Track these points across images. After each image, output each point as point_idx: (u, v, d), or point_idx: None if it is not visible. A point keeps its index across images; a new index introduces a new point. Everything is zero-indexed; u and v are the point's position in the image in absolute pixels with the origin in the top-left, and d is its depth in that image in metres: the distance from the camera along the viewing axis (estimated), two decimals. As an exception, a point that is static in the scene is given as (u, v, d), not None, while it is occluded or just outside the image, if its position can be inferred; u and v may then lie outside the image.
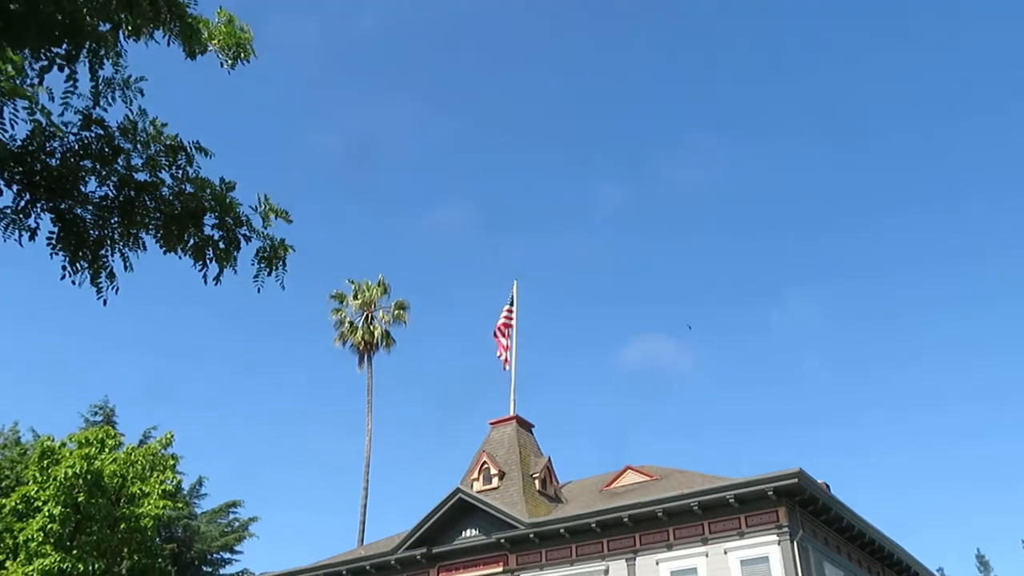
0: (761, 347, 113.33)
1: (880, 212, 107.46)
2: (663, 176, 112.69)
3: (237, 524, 47.85)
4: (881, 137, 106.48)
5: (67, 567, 29.19)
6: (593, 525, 24.34)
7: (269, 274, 7.94)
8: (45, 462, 31.33)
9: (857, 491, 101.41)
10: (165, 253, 7.61)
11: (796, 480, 21.43)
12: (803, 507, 22.49)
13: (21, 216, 7.22)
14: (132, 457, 32.80)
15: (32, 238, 7.16)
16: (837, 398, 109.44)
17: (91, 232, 7.46)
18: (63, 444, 32.48)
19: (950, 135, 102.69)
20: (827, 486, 23.75)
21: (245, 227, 7.79)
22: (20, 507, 31.08)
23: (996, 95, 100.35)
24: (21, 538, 30.03)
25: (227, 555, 46.96)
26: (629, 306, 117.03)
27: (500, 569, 25.81)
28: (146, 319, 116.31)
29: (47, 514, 29.67)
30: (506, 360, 33.34)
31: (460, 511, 27.15)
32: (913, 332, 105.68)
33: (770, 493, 21.74)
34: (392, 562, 27.64)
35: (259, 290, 8.09)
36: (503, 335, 33.71)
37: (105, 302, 7.51)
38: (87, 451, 31.05)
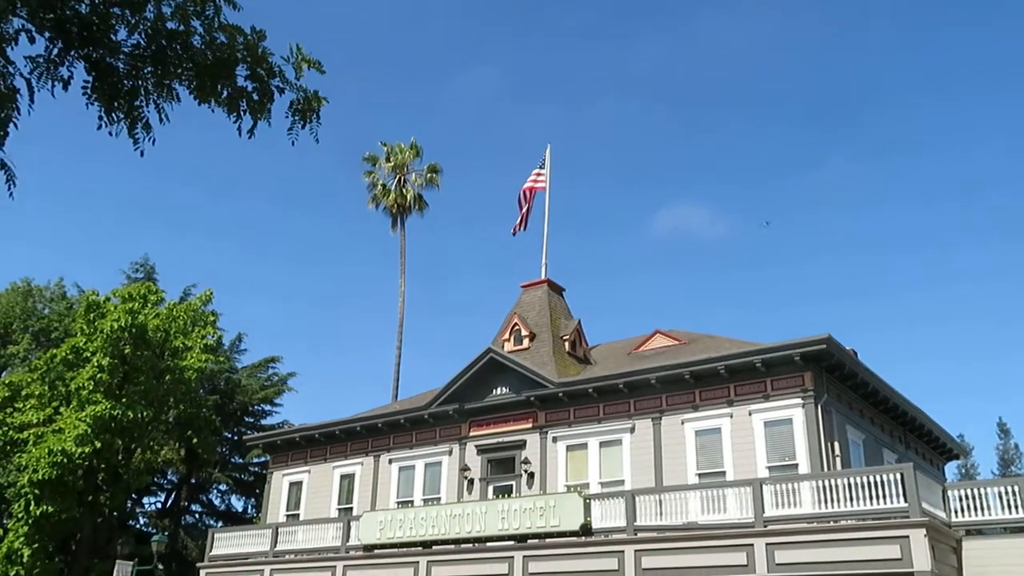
0: (796, 218, 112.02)
1: (929, 88, 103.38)
2: (704, 35, 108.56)
3: (276, 379, 49.71)
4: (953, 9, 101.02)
5: (117, 414, 30.75)
6: (621, 386, 24.93)
7: (303, 127, 7.89)
8: (91, 315, 32.49)
9: (883, 363, 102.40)
10: (199, 104, 7.58)
11: (824, 346, 21.62)
12: (829, 372, 22.78)
13: (54, 65, 7.19)
14: (174, 313, 33.89)
15: (66, 88, 7.14)
16: (868, 272, 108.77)
17: (124, 82, 7.43)
18: (107, 299, 33.56)
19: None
20: (855, 353, 23.95)
21: (278, 78, 7.69)
22: (70, 357, 32.52)
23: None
24: (73, 386, 31.57)
25: (267, 407, 49.08)
26: (662, 174, 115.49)
27: (529, 425, 26.72)
28: (183, 177, 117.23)
29: (96, 364, 31.03)
30: (520, 223, 33.42)
31: (491, 370, 27.88)
32: (948, 209, 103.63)
33: (797, 358, 22.00)
34: (425, 416, 28.68)
35: (293, 143, 8.06)
36: (526, 198, 33.58)
37: (142, 153, 7.55)
38: (131, 306, 32.07)
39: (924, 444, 29.57)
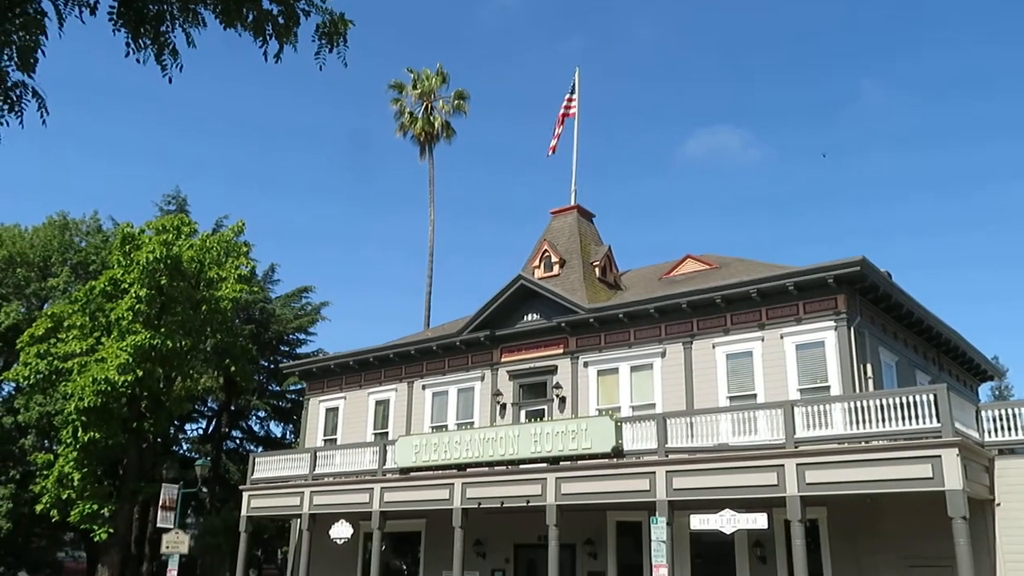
0: (832, 138, 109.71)
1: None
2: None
3: (310, 308, 50.33)
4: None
5: (157, 343, 31.45)
6: (651, 311, 24.93)
7: (330, 51, 7.80)
8: (127, 247, 32.97)
9: (919, 278, 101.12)
10: (225, 29, 7.51)
11: (858, 268, 21.38)
12: (863, 295, 22.57)
13: (80, -10, 7.13)
14: (207, 244, 34.28)
15: (93, 12, 7.10)
16: (903, 184, 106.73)
17: (150, 7, 7.37)
18: (142, 231, 33.99)
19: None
20: (889, 275, 23.64)
21: (303, 1, 7.59)
22: (108, 289, 33.15)
23: None
24: (113, 316, 32.26)
25: (302, 336, 49.84)
26: (692, 103, 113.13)
27: (560, 351, 26.91)
28: (205, 119, 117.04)
29: (134, 295, 31.61)
30: (552, 148, 33.12)
31: (522, 297, 27.99)
32: (985, 111, 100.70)
33: (830, 281, 21.80)
34: (457, 343, 28.98)
35: (321, 68, 7.99)
36: (559, 125, 33.18)
37: (170, 80, 7.53)
38: (165, 237, 32.47)
39: (958, 366, 29.40)
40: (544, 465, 22.14)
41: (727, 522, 18.28)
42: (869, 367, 21.86)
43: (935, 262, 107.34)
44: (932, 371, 26.47)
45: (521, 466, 22.70)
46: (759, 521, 18.07)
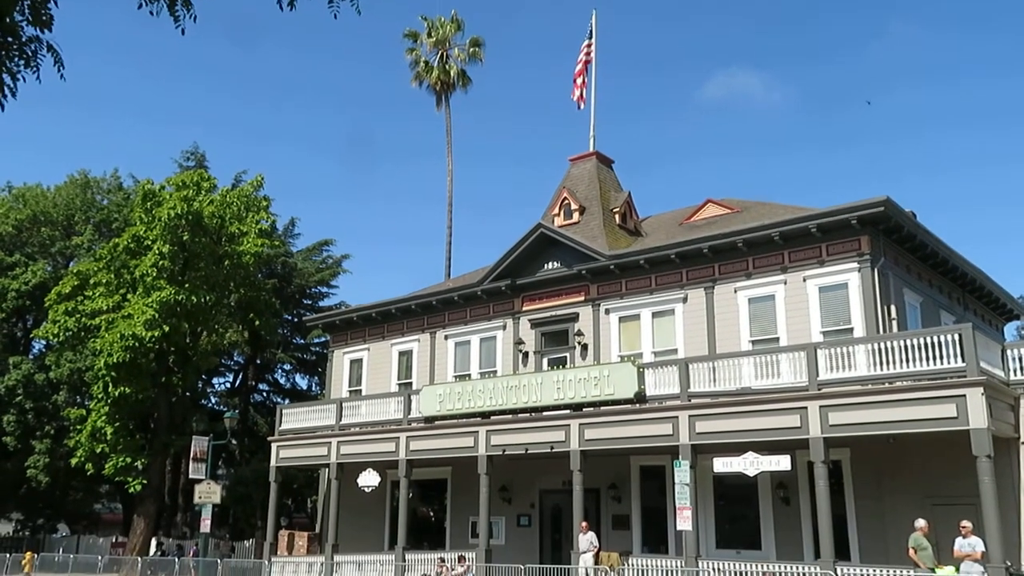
0: (856, 77, 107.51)
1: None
2: None
3: (331, 261, 50.60)
4: None
5: (182, 299, 31.80)
6: (672, 256, 24.81)
7: (344, -2, 7.66)
8: (148, 204, 33.17)
9: (944, 217, 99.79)
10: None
11: (882, 208, 21.09)
12: (887, 236, 22.30)
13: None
14: (227, 199, 34.40)
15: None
16: (929, 119, 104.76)
17: (160, -44, 7.26)
18: (162, 187, 34.14)
19: None
20: (914, 215, 23.32)
21: (314, -54, 7.44)
22: (132, 246, 33.45)
23: None
24: (137, 273, 32.61)
25: (324, 289, 50.21)
26: (712, 45, 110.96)
27: (582, 298, 26.91)
28: (221, 76, 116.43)
29: (157, 252, 31.90)
30: (580, 98, 32.63)
31: (542, 245, 27.93)
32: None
33: (854, 222, 21.54)
34: (478, 293, 29.05)
35: (335, 16, 7.87)
36: (582, 74, 32.67)
37: (183, 31, 7.46)
38: (185, 193, 32.60)
39: (983, 305, 29.12)
40: (567, 412, 22.32)
41: (750, 464, 18.40)
42: (893, 308, 21.70)
43: (961, 200, 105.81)
44: (957, 311, 26.24)
45: (544, 413, 22.89)
46: (782, 463, 18.16)
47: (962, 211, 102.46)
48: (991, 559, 15.55)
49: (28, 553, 36.39)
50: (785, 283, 22.96)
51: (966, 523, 15.93)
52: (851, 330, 21.33)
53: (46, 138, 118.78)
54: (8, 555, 36.89)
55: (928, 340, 17.46)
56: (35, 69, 7.13)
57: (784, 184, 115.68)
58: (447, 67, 47.09)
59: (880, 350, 18.01)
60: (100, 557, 33.14)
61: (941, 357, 17.17)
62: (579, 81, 32.59)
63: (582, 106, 32.80)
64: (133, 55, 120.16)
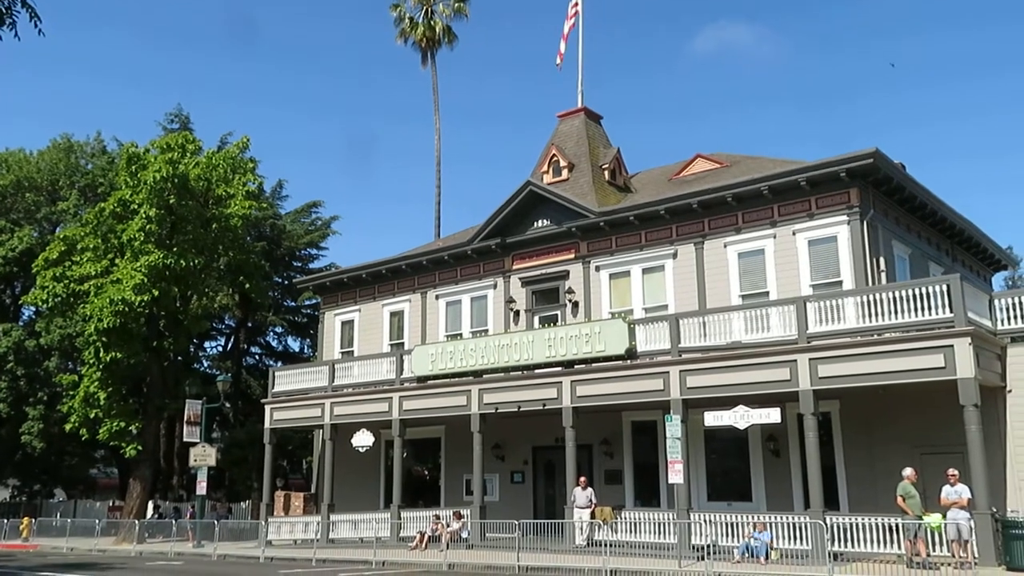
0: (850, 25, 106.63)
1: None
2: None
3: (319, 223, 50.31)
4: None
5: (170, 263, 31.62)
6: (662, 212, 24.75)
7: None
8: (133, 167, 32.80)
9: (933, 169, 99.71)
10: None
11: (872, 160, 21.03)
12: (876, 188, 22.28)
13: None
14: (213, 161, 34.04)
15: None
16: (922, 69, 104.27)
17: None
18: (146, 150, 33.73)
19: None
20: (903, 166, 23.28)
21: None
22: (118, 210, 33.16)
23: None
24: (125, 238, 32.37)
25: (313, 251, 50.00)
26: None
27: (572, 256, 26.88)
28: (198, 36, 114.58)
29: (143, 216, 31.64)
30: (559, 62, 32.41)
31: (531, 203, 27.81)
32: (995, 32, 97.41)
33: (843, 175, 21.49)
34: (468, 252, 28.99)
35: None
36: (565, 37, 32.24)
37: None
38: (170, 156, 32.22)
39: (972, 256, 29.24)
40: (559, 369, 22.43)
41: (740, 418, 18.57)
42: (882, 260, 21.77)
43: (951, 151, 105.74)
44: (945, 262, 26.36)
45: (536, 371, 23.01)
46: (772, 416, 18.34)
47: (951, 161, 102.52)
48: (977, 506, 15.82)
49: (26, 518, 36.61)
50: (775, 237, 22.97)
51: (953, 471, 16.17)
52: (840, 283, 21.41)
53: (27, 103, 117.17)
54: (6, 520, 37.11)
55: (917, 291, 17.55)
56: (11, 26, 6.99)
57: (774, 138, 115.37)
58: (432, 23, 46.48)
59: (869, 302, 18.11)
60: (97, 521, 33.35)
61: (929, 308, 17.27)
62: (562, 44, 32.23)
63: (559, 67, 32.59)
64: (114, 16, 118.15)
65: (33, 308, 41.48)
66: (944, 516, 15.86)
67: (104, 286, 31.95)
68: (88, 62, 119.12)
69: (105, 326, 30.80)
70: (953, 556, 15.42)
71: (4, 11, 6.82)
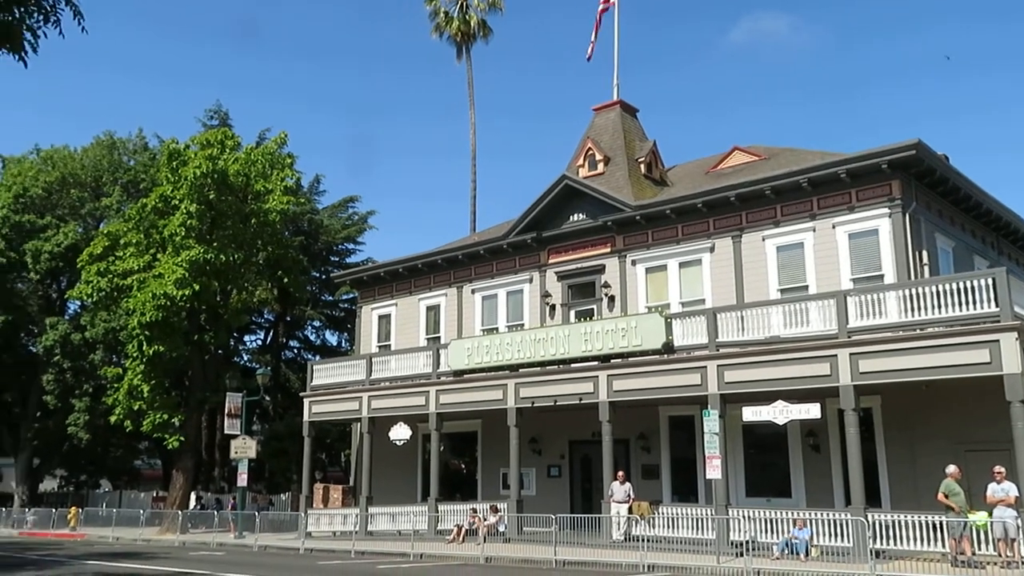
0: (890, 13, 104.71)
1: None
2: None
3: (356, 217, 50.71)
4: None
5: (211, 257, 32.08)
6: (699, 205, 24.55)
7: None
8: (174, 163, 33.30)
9: (978, 160, 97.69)
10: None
11: (914, 152, 20.65)
12: (918, 180, 21.87)
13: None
14: (252, 157, 34.44)
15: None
16: (965, 57, 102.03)
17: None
18: (187, 146, 34.23)
19: None
20: (946, 158, 22.81)
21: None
22: (160, 205, 33.72)
23: None
24: (166, 233, 32.91)
25: (351, 246, 50.43)
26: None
27: (608, 250, 26.78)
28: (240, 37, 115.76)
29: (184, 211, 32.11)
30: (590, 54, 32.30)
31: (567, 197, 27.74)
32: None
33: (884, 166, 21.13)
34: (504, 246, 29.01)
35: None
36: (596, 28, 32.12)
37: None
38: (210, 152, 32.67)
39: (1018, 249, 28.59)
40: (595, 363, 22.37)
41: (779, 413, 18.38)
42: (925, 254, 21.38)
43: (996, 143, 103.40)
44: (991, 255, 25.81)
45: (572, 365, 22.97)
46: (812, 411, 18.13)
47: (996, 154, 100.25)
48: (1024, 504, 15.51)
49: (73, 508, 37.49)
50: (814, 230, 22.67)
51: (1000, 468, 15.86)
52: (882, 277, 21.07)
53: (71, 101, 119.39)
54: (54, 510, 38.06)
55: (961, 285, 17.22)
56: (55, 23, 7.12)
57: (813, 129, 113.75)
58: (467, 16, 46.46)
59: (912, 296, 17.80)
60: (142, 511, 34.04)
61: (974, 302, 16.94)
62: (593, 35, 32.12)
63: (591, 57, 32.50)
64: (153, 15, 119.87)
65: (78, 302, 42.35)
66: (990, 514, 15.57)
67: (146, 280, 32.52)
68: (123, 59, 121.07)
69: (148, 320, 31.37)
70: (999, 555, 15.15)
71: (49, 8, 6.95)
